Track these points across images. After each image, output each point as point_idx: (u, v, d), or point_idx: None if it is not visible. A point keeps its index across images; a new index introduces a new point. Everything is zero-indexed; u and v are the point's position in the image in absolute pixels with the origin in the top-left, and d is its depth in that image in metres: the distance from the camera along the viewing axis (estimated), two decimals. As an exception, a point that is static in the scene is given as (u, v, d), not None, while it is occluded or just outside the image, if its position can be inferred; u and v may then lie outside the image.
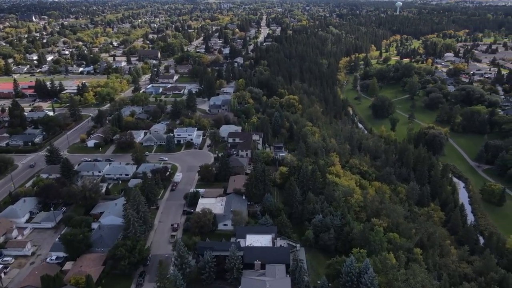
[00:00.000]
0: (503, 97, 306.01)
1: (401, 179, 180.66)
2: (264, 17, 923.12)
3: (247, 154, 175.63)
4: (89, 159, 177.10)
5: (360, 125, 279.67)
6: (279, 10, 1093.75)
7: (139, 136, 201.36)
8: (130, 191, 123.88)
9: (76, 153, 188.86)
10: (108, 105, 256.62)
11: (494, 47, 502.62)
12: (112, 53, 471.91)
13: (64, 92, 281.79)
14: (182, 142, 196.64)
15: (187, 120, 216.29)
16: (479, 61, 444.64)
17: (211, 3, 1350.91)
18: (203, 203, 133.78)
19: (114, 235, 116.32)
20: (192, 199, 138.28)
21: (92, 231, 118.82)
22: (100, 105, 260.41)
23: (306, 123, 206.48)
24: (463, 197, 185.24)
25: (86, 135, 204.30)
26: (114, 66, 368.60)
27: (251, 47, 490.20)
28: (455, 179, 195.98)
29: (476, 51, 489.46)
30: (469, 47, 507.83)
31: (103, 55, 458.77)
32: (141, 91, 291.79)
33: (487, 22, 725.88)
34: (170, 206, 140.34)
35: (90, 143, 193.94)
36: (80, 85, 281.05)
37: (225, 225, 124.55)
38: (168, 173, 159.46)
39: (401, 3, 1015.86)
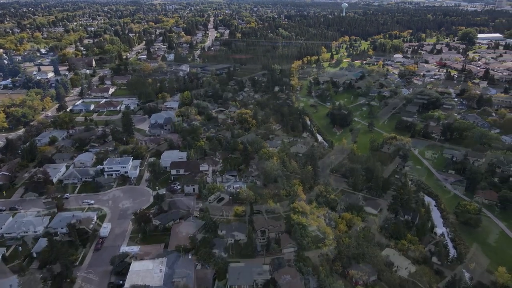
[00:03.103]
0: (456, 99, 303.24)
1: (371, 203, 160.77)
2: (212, 19, 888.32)
3: (194, 189, 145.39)
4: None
5: (319, 137, 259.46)
6: (227, 11, 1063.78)
7: (59, 171, 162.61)
8: (25, 270, 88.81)
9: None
10: (23, 130, 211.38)
11: (438, 47, 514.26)
12: (38, 62, 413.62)
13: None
14: (114, 176, 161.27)
15: (121, 146, 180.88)
16: (427, 61, 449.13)
17: (155, 4, 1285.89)
18: (136, 271, 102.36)
19: None
20: (121, 265, 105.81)
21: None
22: (13, 129, 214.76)
23: (262, 144, 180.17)
24: (436, 217, 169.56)
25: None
26: (37, 78, 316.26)
27: (198, 52, 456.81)
28: (426, 198, 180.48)
29: (422, 52, 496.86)
30: (415, 47, 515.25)
31: (27, 64, 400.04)
32: (68, 109, 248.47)
33: (428, 23, 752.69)
34: (92, 276, 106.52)
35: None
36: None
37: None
38: (92, 225, 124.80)
39: (346, 4, 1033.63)
